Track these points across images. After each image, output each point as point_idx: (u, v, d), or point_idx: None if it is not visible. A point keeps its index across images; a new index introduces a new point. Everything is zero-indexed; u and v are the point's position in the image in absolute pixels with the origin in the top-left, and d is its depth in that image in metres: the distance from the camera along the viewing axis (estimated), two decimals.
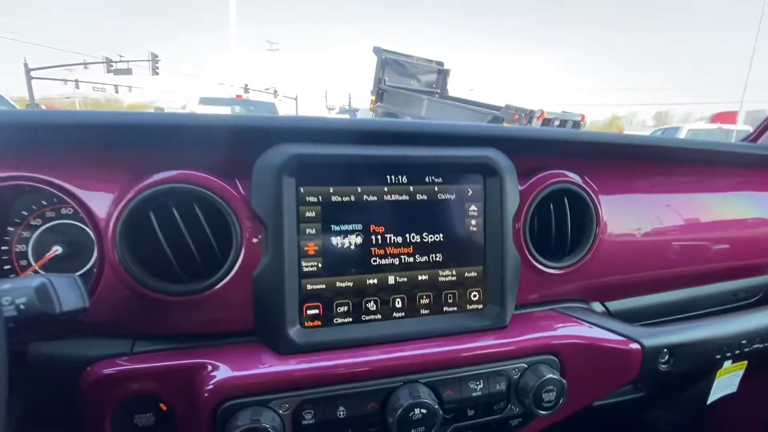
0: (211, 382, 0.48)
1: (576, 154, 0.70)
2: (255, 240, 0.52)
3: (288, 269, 0.51)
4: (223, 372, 0.49)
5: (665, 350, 0.64)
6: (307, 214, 0.54)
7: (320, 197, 0.54)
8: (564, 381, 0.57)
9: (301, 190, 0.53)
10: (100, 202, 0.50)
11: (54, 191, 0.49)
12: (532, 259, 0.63)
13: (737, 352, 0.69)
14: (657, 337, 0.64)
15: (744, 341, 0.69)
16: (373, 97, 7.04)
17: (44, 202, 0.53)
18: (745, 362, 0.98)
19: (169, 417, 0.50)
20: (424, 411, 0.51)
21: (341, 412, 0.51)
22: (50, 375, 0.50)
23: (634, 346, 0.63)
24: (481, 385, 0.56)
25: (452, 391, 0.55)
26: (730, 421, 1.27)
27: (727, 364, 0.92)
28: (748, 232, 0.85)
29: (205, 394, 0.48)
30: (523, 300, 0.66)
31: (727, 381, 0.97)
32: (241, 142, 0.54)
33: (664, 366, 0.65)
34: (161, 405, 0.50)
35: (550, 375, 0.57)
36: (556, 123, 6.32)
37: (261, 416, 0.47)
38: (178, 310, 0.52)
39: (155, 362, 0.50)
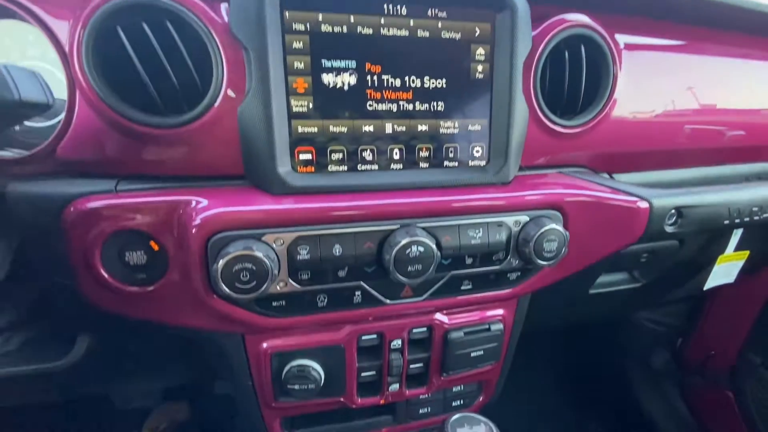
0: (200, 216, 0.46)
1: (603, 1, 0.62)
2: (238, 70, 0.47)
3: (276, 106, 0.47)
4: (212, 206, 0.47)
5: (673, 210, 0.62)
6: (294, 44, 0.48)
7: (308, 25, 0.48)
8: (566, 233, 0.56)
9: (286, 14, 0.47)
10: (60, 18, 0.45)
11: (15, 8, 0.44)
12: (541, 114, 0.59)
13: (746, 219, 0.67)
14: (666, 198, 0.62)
15: (756, 208, 0.67)
16: None
17: None
18: (747, 253, 0.98)
19: (161, 256, 0.49)
20: (421, 249, 0.49)
21: (337, 250, 0.49)
22: (33, 214, 0.48)
23: (642, 204, 0.61)
24: (480, 234, 0.55)
25: (450, 238, 0.53)
26: (715, 321, 1.31)
27: (731, 248, 0.91)
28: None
29: (194, 229, 0.46)
30: (529, 163, 0.62)
31: (726, 269, 0.97)
32: None
33: (670, 227, 0.63)
34: (152, 243, 0.49)
35: (553, 226, 0.55)
36: None
37: (253, 246, 0.45)
38: (160, 147, 0.48)
39: (140, 198, 0.47)
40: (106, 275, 0.48)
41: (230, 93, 0.47)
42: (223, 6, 0.48)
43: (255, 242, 0.46)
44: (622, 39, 0.64)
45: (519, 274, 0.60)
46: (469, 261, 0.55)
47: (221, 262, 0.44)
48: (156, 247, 0.49)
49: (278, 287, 0.49)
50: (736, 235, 0.90)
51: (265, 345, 0.58)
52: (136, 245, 0.49)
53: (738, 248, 0.94)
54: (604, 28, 0.60)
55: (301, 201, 0.49)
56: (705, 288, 0.97)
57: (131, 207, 0.47)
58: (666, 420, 1.39)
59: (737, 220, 0.66)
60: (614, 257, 0.82)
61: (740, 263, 0.98)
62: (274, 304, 0.51)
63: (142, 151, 0.48)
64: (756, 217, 0.68)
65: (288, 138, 0.49)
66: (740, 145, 0.78)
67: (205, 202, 0.47)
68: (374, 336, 0.61)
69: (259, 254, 0.45)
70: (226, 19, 0.47)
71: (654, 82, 0.68)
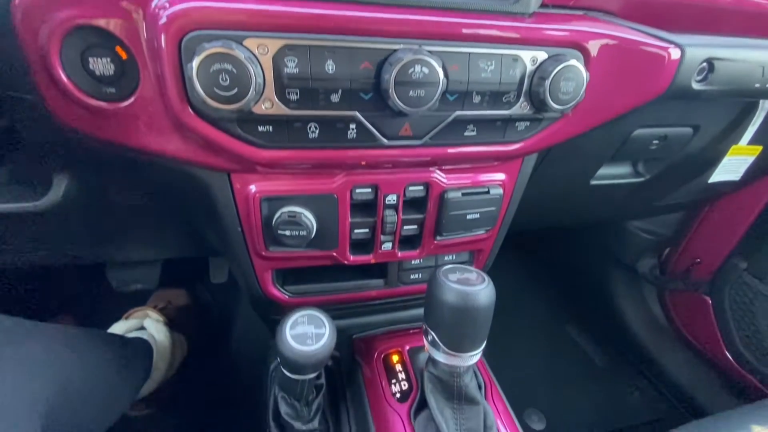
0: (169, 11, 0.39)
1: None
2: None
3: None
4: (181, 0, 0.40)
5: (705, 64, 0.56)
6: None
7: None
8: (586, 72, 0.50)
9: None
10: None
11: None
12: None
13: None
14: (699, 47, 0.55)
15: None
16: None
17: None
18: (760, 148, 0.94)
19: (131, 67, 0.43)
20: (426, 71, 0.44)
21: (329, 67, 0.44)
22: None
23: (673, 51, 0.54)
24: (492, 67, 0.49)
25: (459, 67, 0.47)
26: (707, 230, 1.32)
27: (745, 140, 0.87)
28: None
29: (163, 27, 0.40)
30: (552, 1, 0.54)
31: (735, 163, 0.94)
32: None
33: (698, 83, 0.58)
34: (119, 50, 0.43)
35: (573, 62, 0.49)
36: None
37: (233, 47, 0.39)
38: None
39: None
40: (66, 81, 0.42)
41: None
42: None
43: (235, 44, 0.40)
44: None
45: (528, 123, 0.55)
46: (476, 99, 0.50)
47: (196, 60, 0.39)
48: (124, 55, 0.43)
49: (264, 107, 0.44)
50: (754, 125, 0.85)
51: (253, 189, 0.55)
52: (101, 50, 0.42)
53: (752, 142, 0.90)
54: None
55: (290, 3, 0.42)
56: (710, 181, 0.95)
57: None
58: (640, 321, 1.48)
59: None
60: (625, 138, 0.78)
61: (750, 159, 0.94)
62: (261, 129, 0.46)
63: None
64: None
65: None
66: None
67: None
68: (369, 189, 0.58)
69: (241, 55, 0.39)
70: None
71: None
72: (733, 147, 0.87)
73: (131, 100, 0.45)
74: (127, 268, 1.29)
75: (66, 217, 0.65)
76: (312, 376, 0.57)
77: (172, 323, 1.18)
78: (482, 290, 0.49)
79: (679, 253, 1.39)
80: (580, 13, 0.56)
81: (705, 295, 1.32)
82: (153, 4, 0.40)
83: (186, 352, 1.21)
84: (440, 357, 0.54)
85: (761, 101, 0.79)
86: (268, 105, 0.44)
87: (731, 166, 0.93)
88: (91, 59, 0.43)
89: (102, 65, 0.43)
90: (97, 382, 0.69)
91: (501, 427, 0.60)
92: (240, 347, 1.33)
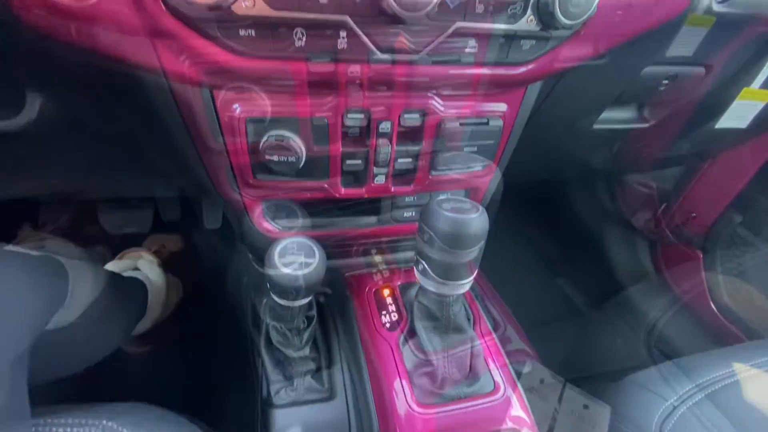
0: None
1: None
2: None
3: None
4: None
5: None
6: None
7: None
8: None
9: None
10: None
11: None
12: None
13: None
14: None
15: None
16: None
17: None
18: None
19: None
20: None
21: None
22: None
23: None
24: None
25: None
26: (705, 186, 1.31)
27: (758, 82, 0.83)
28: None
29: None
30: None
31: (744, 109, 0.91)
32: None
33: (719, 3, 0.53)
34: None
35: None
36: None
37: None
38: None
39: None
40: None
41: None
42: None
43: None
44: None
45: (534, 42, 0.51)
46: (479, 9, 0.46)
47: None
48: None
49: (245, 4, 0.40)
50: None
51: (237, 109, 0.51)
52: None
53: (764, 86, 0.87)
54: None
55: None
56: (717, 127, 0.92)
57: None
58: (628, 271, 1.50)
59: None
60: (633, 76, 0.74)
61: (760, 105, 0.91)
62: (242, 33, 0.42)
63: None
64: None
65: None
66: None
67: None
68: (361, 115, 0.55)
69: None
70: None
71: None
72: (745, 89, 0.83)
73: None
74: (119, 210, 1.27)
75: (44, 140, 0.62)
76: (303, 302, 0.56)
77: (166, 266, 1.18)
78: (475, 218, 0.48)
79: (675, 208, 1.39)
80: None
81: (697, 249, 1.33)
82: None
83: (181, 294, 1.22)
84: (430, 286, 0.53)
85: None
86: (250, 3, 0.40)
87: (740, 111, 0.90)
88: None
89: None
90: (90, 314, 0.69)
91: (488, 357, 0.61)
92: (234, 289, 1.35)
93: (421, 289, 0.56)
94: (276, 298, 0.56)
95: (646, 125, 0.93)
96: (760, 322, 1.16)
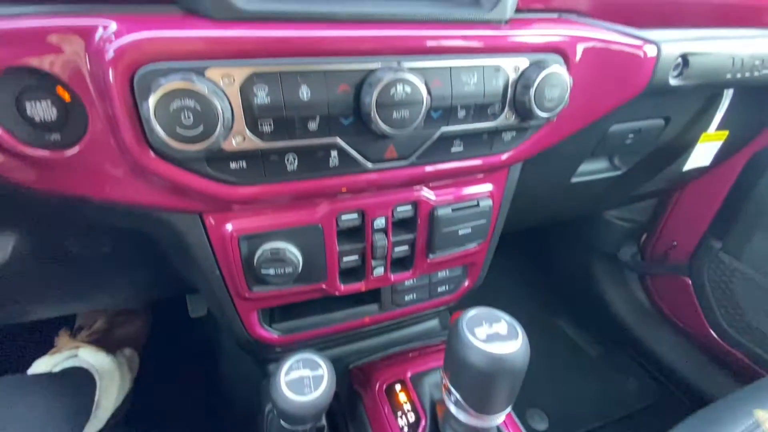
0: (117, 43, 0.35)
1: None
2: None
3: None
4: (130, 30, 0.35)
5: (680, 59, 0.56)
6: None
7: None
8: (570, 77, 0.49)
9: None
10: None
11: None
12: None
13: (747, 74, 0.63)
14: (674, 43, 0.55)
15: (758, 62, 0.62)
16: None
17: None
18: (726, 132, 0.97)
19: (77, 109, 0.38)
20: (408, 90, 0.41)
21: (304, 93, 0.40)
22: None
23: (650, 49, 0.54)
24: (475, 80, 0.46)
25: (441, 82, 0.45)
26: (680, 214, 1.37)
27: (713, 127, 0.89)
28: None
29: (111, 59, 0.35)
30: (525, 5, 0.53)
31: (705, 150, 0.97)
32: None
33: (675, 78, 0.58)
34: (59, 90, 0.37)
35: (557, 68, 0.47)
36: None
37: (194, 80, 0.35)
38: None
39: (24, 22, 0.35)
40: (0, 131, 0.37)
41: None
42: None
43: (196, 77, 0.36)
44: None
45: (515, 133, 0.53)
46: (461, 114, 0.48)
47: (152, 99, 0.34)
48: (67, 97, 0.38)
49: (234, 143, 0.40)
50: (721, 111, 0.87)
51: (229, 227, 0.50)
52: (39, 92, 0.37)
53: (719, 128, 0.93)
54: None
55: (254, 27, 0.38)
56: (684, 169, 0.97)
57: (15, 35, 0.34)
58: (626, 307, 1.50)
59: (739, 75, 0.62)
60: (602, 135, 0.78)
61: (718, 144, 0.97)
62: (233, 165, 0.42)
63: None
64: (756, 72, 0.63)
65: None
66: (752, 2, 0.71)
67: (116, 25, 0.35)
68: (355, 215, 0.55)
69: (204, 89, 0.35)
70: None
71: None
72: (704, 134, 0.90)
73: (80, 145, 0.39)
74: None
75: (19, 275, 0.58)
76: (311, 425, 0.52)
77: (110, 342, 1.06)
78: (517, 351, 0.41)
79: (656, 238, 1.43)
80: (555, 15, 0.55)
81: (685, 276, 1.35)
82: (96, 37, 0.35)
83: (137, 367, 1.10)
84: (463, 417, 0.46)
85: (725, 90, 0.81)
86: (240, 139, 0.40)
87: (702, 153, 0.96)
88: (28, 104, 0.37)
89: (42, 110, 0.38)
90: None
91: None
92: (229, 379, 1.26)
93: (452, 415, 0.50)
94: (284, 424, 0.51)
95: (619, 173, 0.98)
96: (761, 345, 1.17)
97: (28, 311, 0.72)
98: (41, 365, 0.93)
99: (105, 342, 1.07)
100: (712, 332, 1.29)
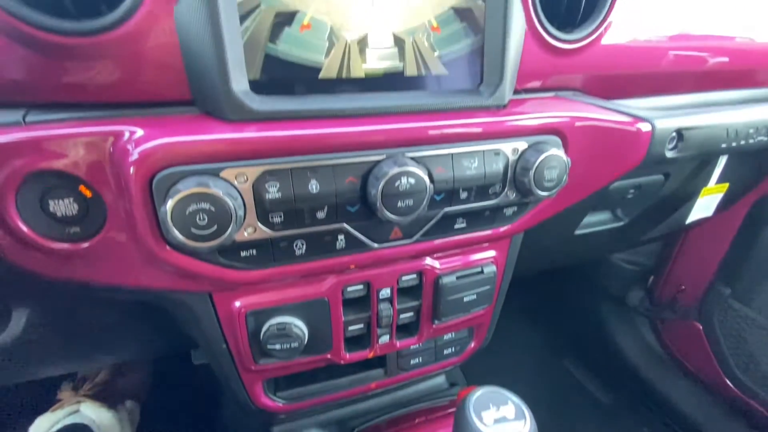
0: (139, 149, 0.37)
1: None
2: None
3: (224, 2, 0.37)
4: (151, 136, 0.38)
5: (674, 133, 0.58)
6: None
7: None
8: (568, 158, 0.50)
9: None
10: None
11: None
12: (539, 27, 0.51)
13: (742, 142, 0.64)
14: (668, 119, 0.58)
15: (752, 130, 0.64)
16: None
17: None
18: (727, 185, 0.98)
19: (97, 204, 0.40)
20: (412, 181, 0.43)
21: (313, 186, 0.42)
22: None
23: (644, 126, 0.56)
24: (476, 164, 0.48)
25: (443, 169, 0.47)
26: (686, 258, 1.36)
27: (713, 181, 0.90)
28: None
29: (132, 164, 0.37)
30: (522, 85, 0.55)
31: (707, 202, 0.98)
32: None
33: (670, 151, 0.59)
34: (82, 188, 0.40)
35: (554, 151, 0.49)
36: None
37: (209, 183, 0.37)
38: (77, 63, 0.38)
39: (56, 130, 0.37)
40: (25, 229, 0.38)
41: None
42: None
43: (212, 178, 0.38)
44: None
45: (516, 209, 0.55)
46: (463, 195, 0.49)
47: (170, 204, 0.36)
48: (88, 194, 0.40)
49: (246, 234, 0.42)
50: (719, 167, 0.89)
51: (237, 303, 0.51)
52: (62, 191, 0.39)
53: (719, 181, 0.95)
54: None
55: (266, 128, 0.41)
56: (687, 222, 0.98)
57: (46, 141, 0.37)
58: (637, 353, 1.47)
59: (734, 143, 0.64)
60: (603, 192, 0.80)
61: (719, 196, 0.98)
62: (243, 254, 0.43)
63: (56, 69, 0.37)
64: (751, 140, 0.65)
65: (241, 43, 0.40)
66: (735, 68, 0.74)
67: (141, 131, 0.38)
68: (360, 286, 0.56)
69: (218, 192, 0.37)
70: None
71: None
72: (704, 189, 0.91)
73: (98, 238, 0.41)
74: None
75: (28, 344, 0.59)
76: None
77: (112, 394, 1.05)
78: None
79: (664, 281, 1.42)
80: (551, 94, 0.58)
81: (695, 321, 1.33)
82: (121, 141, 0.38)
83: (138, 419, 1.08)
84: None
85: None
86: (251, 231, 0.42)
87: (704, 206, 0.97)
88: (51, 201, 0.39)
89: (64, 206, 0.40)
90: None
91: None
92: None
93: None
94: None
95: (621, 224, 0.99)
96: None
97: (32, 372, 0.72)
98: (44, 423, 0.92)
99: (107, 394, 1.06)
100: (727, 380, 1.25)
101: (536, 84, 0.57)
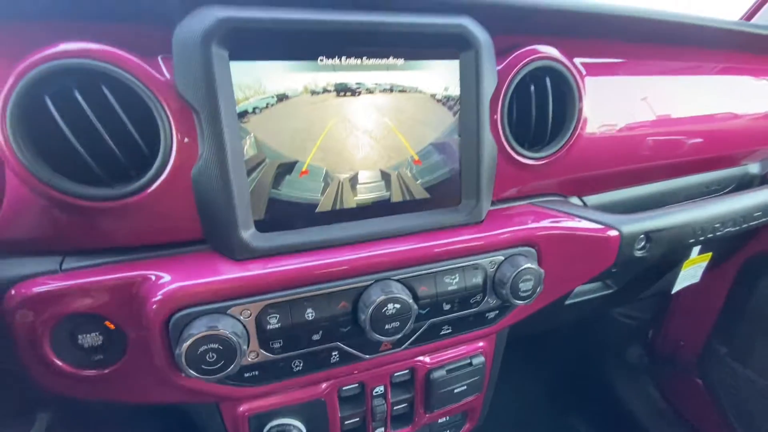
0: (159, 293, 0.43)
1: (563, 29, 0.61)
2: (188, 132, 0.44)
3: (233, 165, 0.44)
4: (170, 281, 0.44)
5: (642, 236, 0.63)
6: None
7: None
8: (541, 270, 0.55)
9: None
10: None
11: None
12: (509, 149, 0.58)
13: (710, 235, 0.69)
14: (635, 224, 0.63)
15: (717, 224, 0.69)
16: None
17: None
18: (710, 254, 1.02)
19: (119, 336, 0.46)
20: (398, 305, 0.48)
21: (309, 314, 0.47)
22: None
23: (613, 233, 0.61)
24: (457, 279, 0.54)
25: (427, 287, 0.52)
26: (683, 313, 1.38)
27: (695, 252, 0.95)
28: (732, 123, 0.82)
29: (153, 306, 0.43)
30: (500, 195, 0.62)
31: (691, 272, 1.01)
32: (158, 5, 0.42)
33: (639, 252, 0.64)
34: (107, 323, 0.45)
35: (528, 265, 0.54)
36: None
37: (219, 323, 0.43)
38: (109, 219, 0.44)
39: (90, 278, 0.43)
40: (59, 363, 0.44)
41: (181, 157, 0.44)
42: (161, 60, 0.44)
43: (220, 317, 0.43)
44: (581, 63, 0.64)
45: (497, 312, 0.59)
46: (446, 307, 0.54)
47: (184, 346, 0.41)
48: (112, 327, 0.45)
49: (249, 359, 0.47)
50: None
51: (241, 409, 0.55)
52: (90, 327, 0.45)
53: (701, 251, 0.99)
54: (564, 54, 0.60)
55: (268, 264, 0.46)
56: (673, 291, 1.01)
57: (81, 288, 0.43)
58: (644, 410, 1.45)
59: (702, 238, 0.69)
60: None
61: (704, 264, 1.02)
62: (246, 375, 0.48)
63: (88, 225, 0.44)
64: (718, 233, 0.70)
65: (248, 195, 0.46)
66: (701, 157, 0.80)
67: (163, 277, 0.44)
68: (355, 385, 0.60)
69: (225, 332, 0.42)
70: (167, 73, 0.43)
71: (616, 105, 0.68)
72: (686, 262, 0.95)
73: (118, 365, 0.46)
74: None
75: None
76: None
77: None
78: None
79: (662, 335, 1.43)
80: (527, 202, 0.64)
81: (697, 378, 1.33)
82: (143, 287, 0.44)
83: None
84: None
85: None
86: (254, 356, 0.47)
87: (689, 275, 1.01)
88: (80, 336, 0.45)
89: (91, 339, 0.45)
90: None
91: None
92: None
93: None
94: None
95: (611, 291, 1.02)
96: None
97: None
98: None
99: None
100: None
101: (513, 192, 0.63)
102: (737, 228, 0.72)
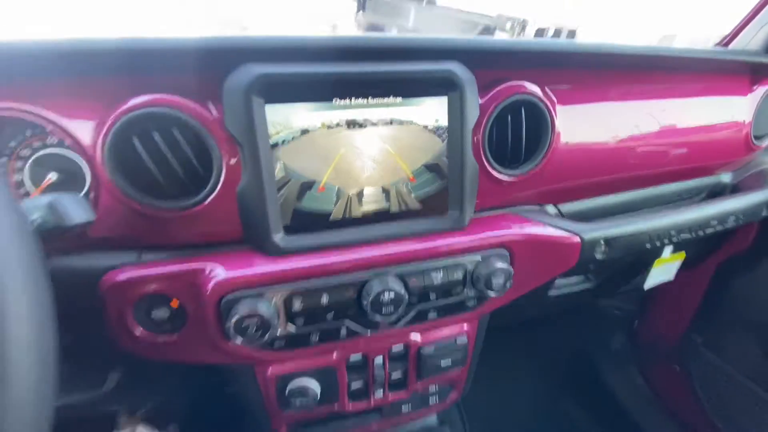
0: (212, 282, 0.58)
1: (538, 64, 0.72)
2: (234, 159, 0.58)
3: (267, 185, 0.57)
4: (220, 273, 0.58)
5: (602, 241, 0.75)
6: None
7: None
8: (511, 270, 0.68)
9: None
10: (83, 130, 0.54)
11: (40, 121, 0.52)
12: (489, 168, 0.70)
13: (666, 241, 0.80)
14: (595, 231, 0.75)
15: (673, 232, 0.80)
16: None
17: (28, 133, 0.56)
18: (683, 254, 1.12)
19: (181, 312, 0.61)
20: (392, 295, 0.62)
21: (324, 299, 0.61)
22: (71, 284, 0.58)
23: (575, 239, 0.73)
24: (441, 275, 0.67)
25: (416, 280, 0.66)
26: (664, 306, 1.48)
27: (667, 252, 1.05)
28: (704, 136, 0.91)
29: (208, 292, 0.58)
30: (482, 206, 0.74)
31: (665, 269, 1.12)
32: (210, 63, 0.55)
33: (600, 255, 0.76)
34: (173, 302, 0.60)
35: (500, 265, 0.67)
36: (550, 33, 5.95)
37: (257, 305, 0.57)
38: (174, 224, 0.59)
39: (161, 268, 0.58)
40: (138, 331, 0.59)
41: (228, 177, 0.58)
42: (212, 104, 0.57)
43: (258, 300, 0.58)
44: (553, 91, 0.74)
45: (475, 301, 0.72)
46: (432, 296, 0.68)
47: (233, 321, 0.56)
48: (175, 305, 0.60)
49: (279, 331, 0.61)
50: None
51: (271, 370, 0.70)
52: (161, 305, 0.60)
53: (675, 251, 1.09)
54: (538, 82, 0.70)
55: (294, 260, 0.61)
56: (645, 287, 1.12)
57: (154, 277, 0.58)
58: (627, 394, 1.57)
59: (657, 243, 0.80)
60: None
61: (678, 263, 1.12)
62: (276, 344, 0.63)
63: (160, 228, 0.59)
64: (674, 239, 0.81)
65: (279, 207, 0.60)
66: (669, 170, 0.90)
67: (216, 269, 0.58)
68: (360, 356, 0.74)
69: (263, 310, 0.57)
70: (216, 114, 0.57)
71: (585, 127, 0.79)
72: (657, 260, 1.06)
73: (180, 333, 0.61)
74: None
75: (116, 394, 0.80)
76: None
77: (160, 418, 1.25)
78: None
79: (645, 325, 1.54)
80: (506, 211, 0.76)
81: (678, 366, 1.44)
82: (201, 276, 0.58)
83: None
84: None
85: None
86: (282, 329, 0.62)
87: (661, 273, 1.11)
88: (153, 311, 0.60)
89: (161, 313, 0.60)
90: None
91: None
92: None
93: None
94: None
95: (591, 285, 1.14)
96: None
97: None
98: None
99: (157, 418, 1.27)
100: (708, 427, 1.35)
101: (493, 202, 0.76)
102: (693, 235, 0.83)
